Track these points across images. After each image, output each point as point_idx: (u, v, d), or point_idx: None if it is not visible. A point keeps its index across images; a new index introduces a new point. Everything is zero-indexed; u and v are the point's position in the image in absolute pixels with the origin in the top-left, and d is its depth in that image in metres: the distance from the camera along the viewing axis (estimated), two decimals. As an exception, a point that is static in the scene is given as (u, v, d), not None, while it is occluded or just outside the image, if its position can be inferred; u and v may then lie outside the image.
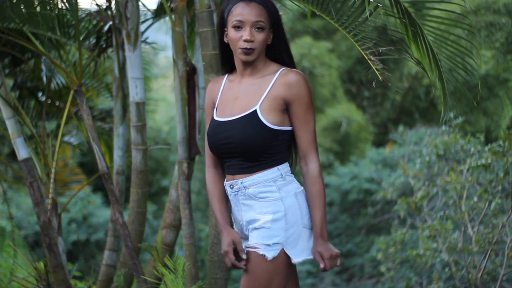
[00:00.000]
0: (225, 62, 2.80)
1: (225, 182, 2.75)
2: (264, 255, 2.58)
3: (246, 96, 2.66)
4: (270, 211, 2.60)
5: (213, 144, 2.71)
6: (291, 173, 2.69)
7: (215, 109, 2.77)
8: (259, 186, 2.62)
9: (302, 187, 2.69)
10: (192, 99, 4.21)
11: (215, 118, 2.73)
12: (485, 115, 13.59)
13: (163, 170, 15.71)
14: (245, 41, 2.61)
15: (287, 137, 2.66)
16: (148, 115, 6.87)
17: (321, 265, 2.61)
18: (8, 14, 4.01)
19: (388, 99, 17.91)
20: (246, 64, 2.68)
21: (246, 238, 2.72)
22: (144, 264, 4.91)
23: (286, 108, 2.64)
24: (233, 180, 2.68)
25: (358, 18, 3.32)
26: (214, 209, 2.74)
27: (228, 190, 2.72)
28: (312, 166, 2.65)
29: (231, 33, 2.64)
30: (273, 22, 2.66)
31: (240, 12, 2.62)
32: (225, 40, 2.71)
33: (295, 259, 2.60)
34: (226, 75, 2.82)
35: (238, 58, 2.68)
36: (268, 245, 2.57)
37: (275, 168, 2.63)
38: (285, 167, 2.66)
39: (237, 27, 2.62)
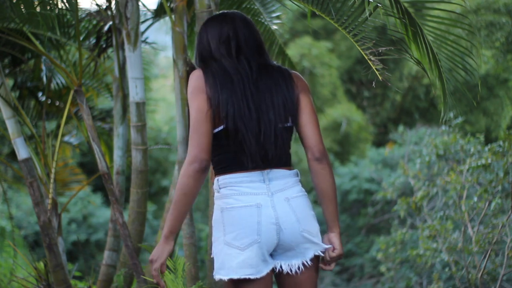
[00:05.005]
0: None
1: None
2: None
3: None
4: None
5: None
6: (231, 188, 2.50)
7: None
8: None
9: (233, 205, 2.48)
10: (192, 99, 4.20)
11: None
12: (485, 115, 13.60)
13: (163, 170, 15.71)
14: None
15: (217, 143, 2.50)
16: (148, 115, 6.87)
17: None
18: (8, 14, 4.00)
19: (388, 99, 17.92)
20: None
21: None
22: (144, 264, 4.91)
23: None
24: None
25: (358, 18, 3.32)
26: None
27: None
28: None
29: None
30: None
31: None
32: None
33: (215, 275, 2.52)
34: None
35: None
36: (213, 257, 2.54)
37: (215, 179, 2.56)
38: (221, 179, 2.52)
39: None
